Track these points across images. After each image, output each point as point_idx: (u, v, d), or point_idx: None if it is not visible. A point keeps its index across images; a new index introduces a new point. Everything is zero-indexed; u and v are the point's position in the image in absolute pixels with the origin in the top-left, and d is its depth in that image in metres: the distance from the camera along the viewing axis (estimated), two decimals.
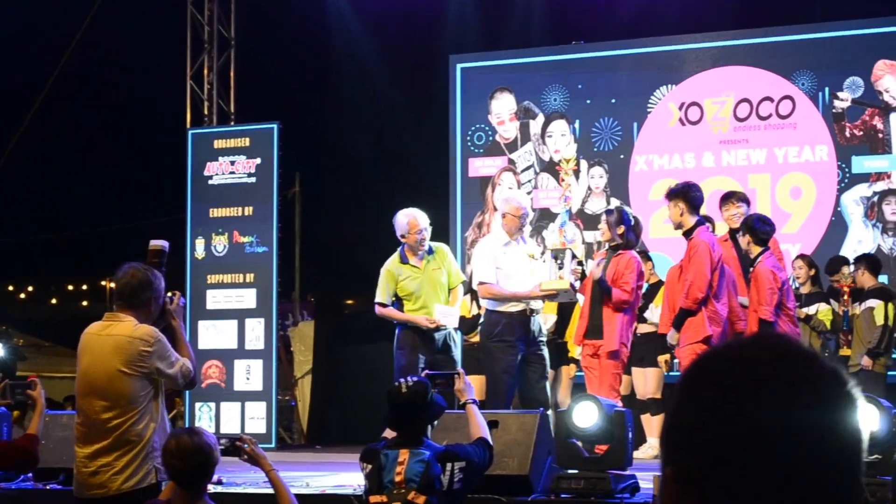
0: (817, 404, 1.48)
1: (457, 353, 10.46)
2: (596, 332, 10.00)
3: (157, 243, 7.18)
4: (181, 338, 6.64)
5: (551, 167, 14.66)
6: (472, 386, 6.74)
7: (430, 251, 10.49)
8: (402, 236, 10.41)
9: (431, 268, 10.43)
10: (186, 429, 5.93)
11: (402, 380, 6.17)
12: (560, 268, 10.06)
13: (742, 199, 10.55)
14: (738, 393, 1.49)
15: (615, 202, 13.98)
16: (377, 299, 10.45)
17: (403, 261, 10.41)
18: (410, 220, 10.36)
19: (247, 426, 14.57)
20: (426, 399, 6.09)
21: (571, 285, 10.02)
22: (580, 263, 10.36)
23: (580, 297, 10.39)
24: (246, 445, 5.62)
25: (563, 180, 14.56)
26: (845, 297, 11.82)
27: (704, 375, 1.55)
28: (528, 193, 14.12)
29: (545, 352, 10.22)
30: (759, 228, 9.88)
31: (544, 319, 10.90)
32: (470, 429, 6.38)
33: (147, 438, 6.26)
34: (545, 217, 14.49)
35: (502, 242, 10.33)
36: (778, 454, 1.46)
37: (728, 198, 10.58)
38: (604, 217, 10.45)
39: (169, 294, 6.69)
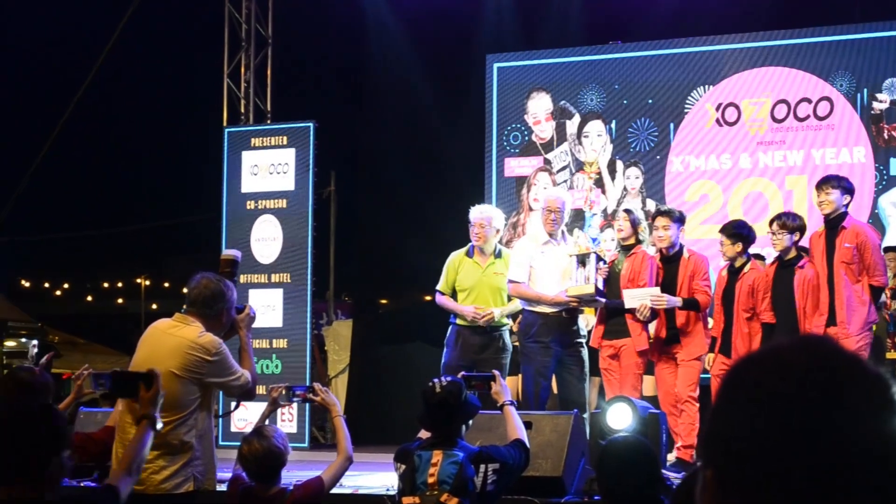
0: (859, 408, 1.47)
1: (504, 357, 10.35)
2: (617, 334, 10.26)
3: (229, 253, 7.22)
4: (246, 349, 6.60)
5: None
6: (509, 388, 6.71)
7: (499, 254, 10.47)
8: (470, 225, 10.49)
9: (493, 270, 10.37)
10: (255, 432, 5.96)
11: (436, 380, 6.14)
12: (585, 271, 10.03)
13: (836, 185, 9.93)
14: (778, 396, 1.48)
15: (651, 203, 13.93)
16: (437, 287, 10.56)
17: (469, 255, 10.46)
18: (473, 210, 10.53)
19: (279, 425, 14.56)
20: (460, 399, 6.06)
21: (597, 289, 9.98)
22: (606, 263, 10.32)
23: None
24: (317, 395, 6.44)
25: (589, 187, 14.49)
26: (887, 300, 11.63)
27: (746, 378, 1.54)
28: None
29: (584, 353, 10.16)
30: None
31: (586, 322, 10.82)
32: (507, 430, 6.35)
33: (189, 445, 6.17)
34: (580, 218, 14.43)
35: (541, 241, 10.28)
36: (819, 457, 1.45)
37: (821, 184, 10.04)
38: (624, 216, 10.47)
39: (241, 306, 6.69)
